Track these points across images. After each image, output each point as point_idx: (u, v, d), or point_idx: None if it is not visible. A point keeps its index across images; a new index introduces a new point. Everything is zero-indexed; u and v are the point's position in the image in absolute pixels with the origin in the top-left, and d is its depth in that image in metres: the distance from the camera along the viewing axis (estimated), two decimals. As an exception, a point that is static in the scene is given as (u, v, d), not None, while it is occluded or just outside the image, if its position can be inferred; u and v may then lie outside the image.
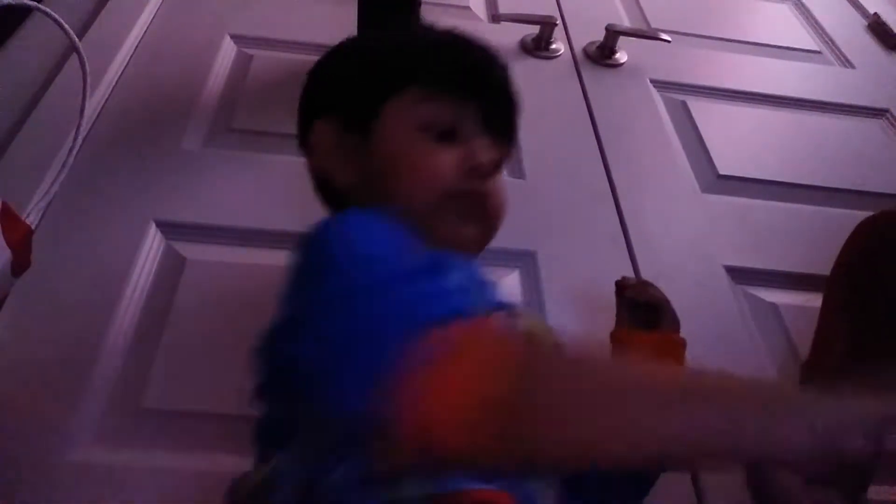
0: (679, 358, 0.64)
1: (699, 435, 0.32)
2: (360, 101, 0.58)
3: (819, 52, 1.33)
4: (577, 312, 0.78)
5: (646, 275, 0.84)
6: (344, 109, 0.60)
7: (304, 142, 0.64)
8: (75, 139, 0.73)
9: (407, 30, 0.67)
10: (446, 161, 0.55)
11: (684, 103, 1.12)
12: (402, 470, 0.36)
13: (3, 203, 0.59)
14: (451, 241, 0.54)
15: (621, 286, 0.70)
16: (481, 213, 0.56)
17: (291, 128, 0.96)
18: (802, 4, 1.46)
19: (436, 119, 0.56)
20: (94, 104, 0.92)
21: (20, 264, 0.61)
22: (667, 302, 0.67)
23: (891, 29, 1.38)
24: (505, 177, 0.93)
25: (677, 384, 0.35)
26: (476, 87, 0.58)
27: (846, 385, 0.62)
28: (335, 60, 0.64)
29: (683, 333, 0.77)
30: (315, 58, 1.06)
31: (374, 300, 0.39)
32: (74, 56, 0.71)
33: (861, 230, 0.71)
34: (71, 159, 0.74)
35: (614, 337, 0.67)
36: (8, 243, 0.58)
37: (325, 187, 0.62)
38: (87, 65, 0.71)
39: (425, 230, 0.50)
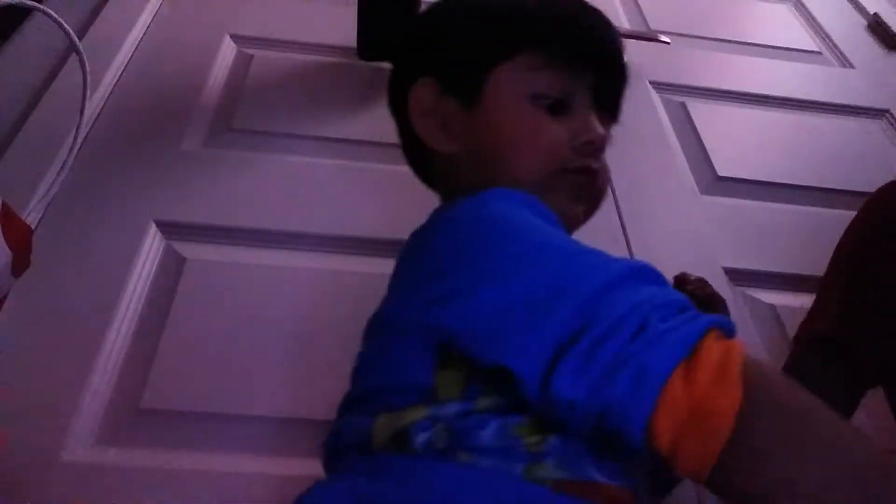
0: None
1: None
2: (466, 65, 0.54)
3: (819, 53, 1.33)
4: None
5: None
6: (447, 71, 0.55)
7: (396, 103, 0.59)
8: (75, 139, 0.73)
9: None
10: (560, 133, 0.52)
11: (683, 105, 1.12)
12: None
13: (3, 203, 0.59)
14: (564, 219, 0.51)
15: (681, 281, 0.66)
16: (590, 191, 0.54)
17: (291, 128, 0.96)
18: (802, 4, 1.46)
19: (550, 90, 0.52)
20: (94, 104, 0.92)
21: (20, 264, 0.61)
22: (723, 301, 0.64)
23: (891, 29, 1.38)
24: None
25: (881, 465, 0.35)
26: (594, 59, 0.54)
27: (833, 353, 0.63)
28: (440, 16, 0.59)
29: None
30: (315, 58, 1.07)
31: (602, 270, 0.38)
32: (74, 56, 0.71)
33: (869, 204, 0.71)
34: (71, 159, 0.74)
35: None
36: (8, 243, 0.58)
37: (417, 151, 0.58)
38: (87, 65, 0.71)
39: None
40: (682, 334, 0.35)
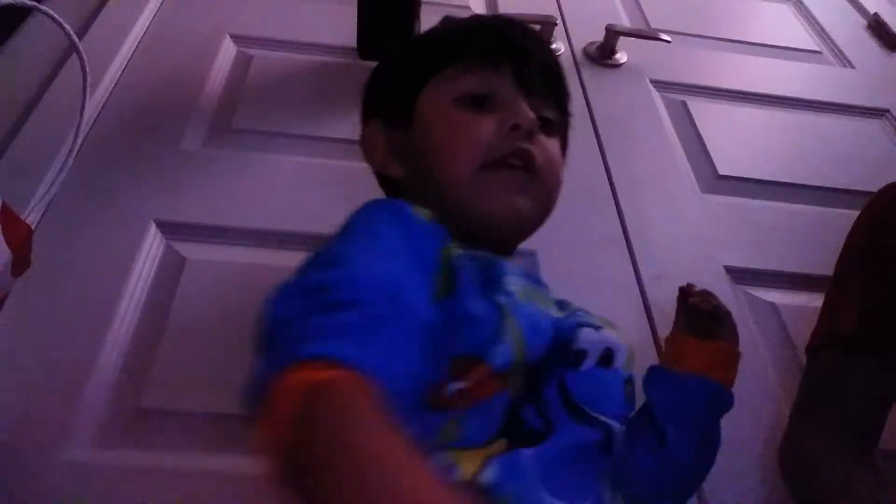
0: (732, 369, 0.63)
1: None
2: (396, 96, 0.60)
3: (819, 52, 1.33)
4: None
5: (646, 274, 0.84)
6: (385, 108, 0.62)
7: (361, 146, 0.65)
8: (75, 139, 0.73)
9: (429, 31, 0.68)
10: (485, 125, 0.54)
11: (684, 103, 1.12)
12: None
13: (3, 203, 0.59)
14: (505, 216, 0.53)
15: (685, 293, 0.68)
16: (531, 179, 0.54)
17: (291, 128, 0.96)
18: (802, 4, 1.46)
19: (469, 89, 0.56)
20: (94, 104, 0.92)
21: (20, 264, 0.61)
22: (729, 314, 0.66)
23: (891, 29, 1.38)
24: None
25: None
26: (507, 54, 0.57)
27: (859, 352, 0.62)
28: (377, 69, 0.67)
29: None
30: (315, 58, 1.07)
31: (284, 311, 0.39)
32: (74, 56, 0.71)
33: (879, 199, 0.71)
34: (71, 159, 0.73)
35: (670, 342, 0.66)
36: (8, 243, 0.58)
37: (387, 185, 0.63)
38: (87, 65, 0.71)
39: (476, 208, 0.52)
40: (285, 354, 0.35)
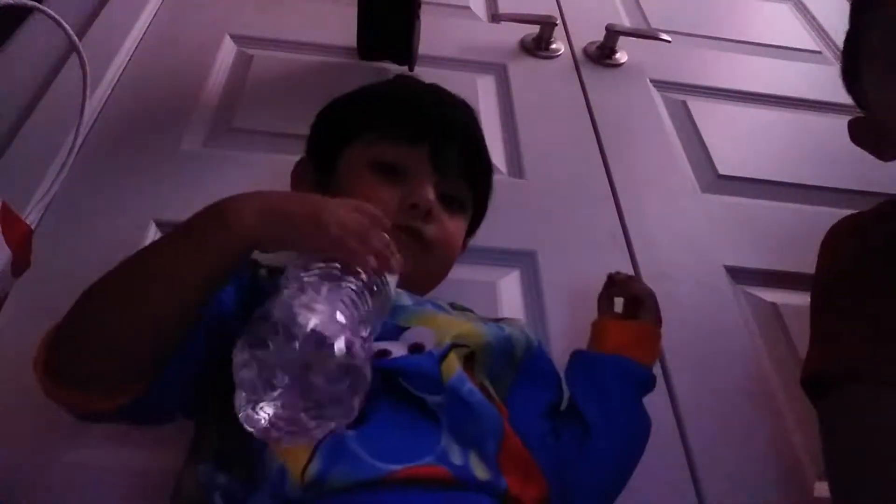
0: (653, 348, 0.67)
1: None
2: (326, 144, 0.68)
3: (819, 52, 1.33)
4: (576, 312, 0.78)
5: (646, 274, 0.84)
6: (315, 154, 0.70)
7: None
8: (75, 139, 0.73)
9: (377, 84, 0.75)
10: (386, 195, 0.60)
11: (684, 103, 1.12)
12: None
13: (3, 203, 0.59)
14: None
15: (609, 283, 0.73)
16: (416, 248, 0.60)
17: (291, 128, 0.96)
18: (802, 4, 1.46)
19: (382, 157, 0.63)
20: (94, 104, 0.92)
21: (20, 264, 0.61)
22: (650, 296, 0.70)
23: (891, 29, 1.38)
24: (505, 177, 0.94)
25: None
26: (427, 132, 0.64)
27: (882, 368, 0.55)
28: (322, 110, 0.73)
29: (683, 333, 0.78)
30: (315, 58, 1.07)
31: None
32: (74, 56, 0.71)
33: (836, 240, 0.69)
34: (71, 159, 0.74)
35: (595, 325, 0.69)
36: (8, 243, 0.58)
37: None
38: (87, 65, 0.71)
39: None
40: None
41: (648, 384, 0.64)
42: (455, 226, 0.65)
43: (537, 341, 0.62)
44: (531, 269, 0.82)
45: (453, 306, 0.62)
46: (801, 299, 0.83)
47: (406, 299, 0.57)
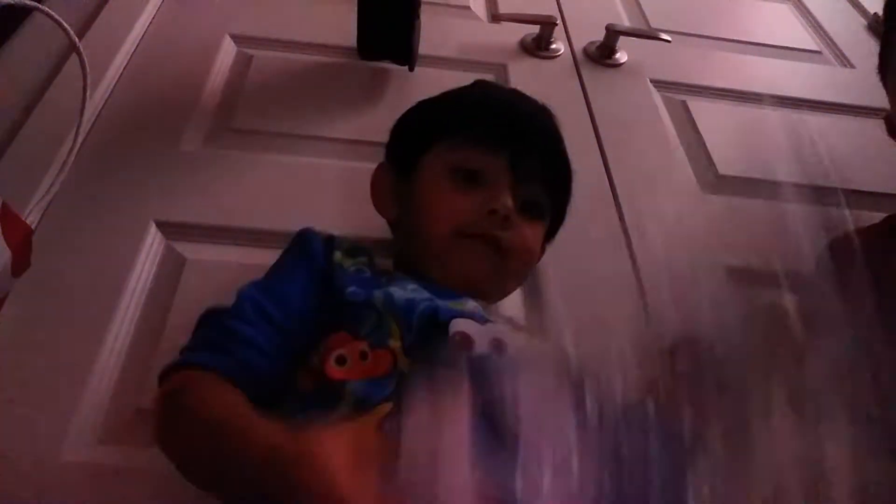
0: None
1: None
2: (406, 149, 0.69)
3: (819, 52, 1.33)
4: (576, 312, 0.78)
5: (646, 274, 0.83)
6: (395, 155, 0.71)
7: None
8: (75, 139, 0.73)
9: (459, 89, 0.74)
10: (465, 202, 0.61)
11: (684, 103, 1.12)
12: None
13: (4, 203, 0.59)
14: (460, 278, 0.59)
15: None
16: (494, 255, 0.61)
17: (291, 128, 0.96)
18: (802, 4, 1.46)
19: (462, 164, 0.63)
20: (94, 104, 0.92)
21: (20, 265, 0.61)
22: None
23: (891, 29, 1.38)
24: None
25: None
26: (507, 138, 0.64)
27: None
28: (402, 116, 0.74)
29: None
30: (315, 58, 1.07)
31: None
32: (74, 56, 0.71)
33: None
34: (71, 159, 0.74)
35: None
36: (8, 244, 0.58)
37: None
38: (87, 65, 0.71)
39: (440, 264, 0.60)
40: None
41: None
42: (533, 232, 0.65)
43: None
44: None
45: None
46: (801, 299, 0.84)
47: (484, 311, 0.57)
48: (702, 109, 1.11)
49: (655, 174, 0.99)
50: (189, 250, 0.78)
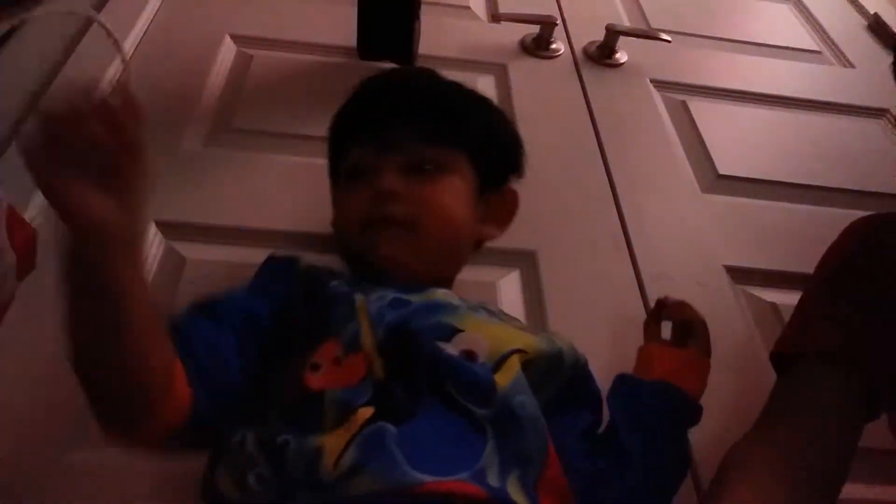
0: (700, 379, 0.62)
1: None
2: (332, 168, 0.72)
3: (819, 52, 1.33)
4: (576, 312, 0.78)
5: (646, 275, 0.84)
6: (331, 174, 0.73)
7: None
8: (76, 139, 0.73)
9: (350, 96, 0.73)
10: (358, 198, 0.62)
11: (684, 103, 1.12)
12: None
13: (9, 206, 0.59)
14: (387, 265, 0.60)
15: (660, 305, 0.69)
16: (401, 231, 0.61)
17: (291, 128, 0.96)
18: (802, 4, 1.46)
19: (349, 165, 0.66)
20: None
21: (24, 267, 0.61)
22: (702, 324, 0.66)
23: (891, 29, 1.38)
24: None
25: None
26: (363, 125, 0.67)
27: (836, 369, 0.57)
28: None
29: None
30: (315, 58, 1.07)
31: None
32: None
33: (857, 230, 0.70)
34: (71, 159, 0.73)
35: (640, 351, 0.66)
36: (13, 246, 0.58)
37: None
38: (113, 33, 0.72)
39: (366, 258, 0.61)
40: None
41: (695, 416, 0.60)
42: (435, 188, 0.62)
43: (584, 360, 0.60)
44: (531, 269, 0.82)
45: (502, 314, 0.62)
46: (801, 299, 0.84)
47: (456, 300, 0.57)
48: (702, 109, 1.11)
49: (655, 174, 0.99)
50: (189, 250, 0.78)
